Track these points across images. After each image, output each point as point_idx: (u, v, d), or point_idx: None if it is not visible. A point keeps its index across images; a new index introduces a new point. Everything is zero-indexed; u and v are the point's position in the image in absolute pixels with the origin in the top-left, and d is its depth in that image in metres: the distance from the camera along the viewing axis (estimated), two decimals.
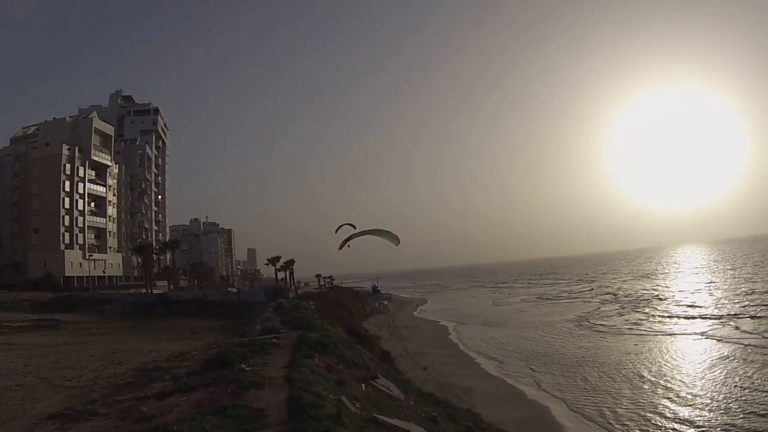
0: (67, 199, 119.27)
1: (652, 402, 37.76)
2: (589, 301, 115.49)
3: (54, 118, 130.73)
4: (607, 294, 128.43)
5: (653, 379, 44.39)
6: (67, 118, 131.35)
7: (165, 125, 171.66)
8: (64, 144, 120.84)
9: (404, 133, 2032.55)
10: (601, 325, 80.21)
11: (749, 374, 42.83)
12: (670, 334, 66.77)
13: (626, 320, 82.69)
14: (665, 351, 56.48)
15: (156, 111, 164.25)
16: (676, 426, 32.83)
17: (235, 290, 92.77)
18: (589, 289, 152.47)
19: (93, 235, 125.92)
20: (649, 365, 49.85)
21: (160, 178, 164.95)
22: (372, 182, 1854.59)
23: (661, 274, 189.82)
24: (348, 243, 61.82)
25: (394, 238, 60.75)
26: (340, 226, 65.02)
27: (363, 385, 21.48)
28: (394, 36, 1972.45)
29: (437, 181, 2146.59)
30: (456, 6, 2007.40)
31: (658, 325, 75.86)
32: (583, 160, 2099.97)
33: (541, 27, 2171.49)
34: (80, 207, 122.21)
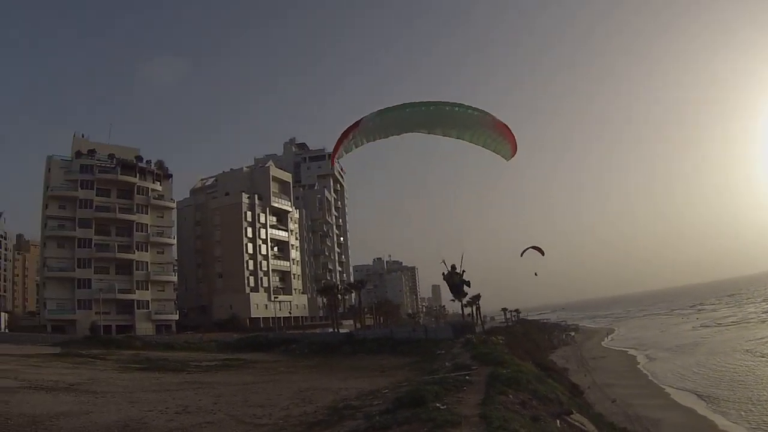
0: (250, 245, 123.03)
1: None
2: None
3: (231, 169, 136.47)
4: None
5: None
6: (244, 168, 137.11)
7: (341, 168, 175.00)
8: (243, 193, 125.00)
9: (569, 162, 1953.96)
10: None
11: None
12: None
13: None
14: None
15: (331, 155, 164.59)
16: None
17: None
18: None
19: (277, 278, 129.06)
20: None
21: (340, 220, 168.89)
22: (546, 207, 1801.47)
23: None
24: (337, 153, 30.96)
25: (502, 144, 27.56)
26: (525, 250, 61.99)
27: (558, 421, 19.93)
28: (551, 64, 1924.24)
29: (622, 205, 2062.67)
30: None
31: None
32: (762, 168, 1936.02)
33: (681, 26, 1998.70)
34: (263, 252, 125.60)
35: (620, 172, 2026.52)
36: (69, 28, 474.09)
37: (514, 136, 25.36)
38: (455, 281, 26.82)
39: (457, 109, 24.17)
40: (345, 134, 24.42)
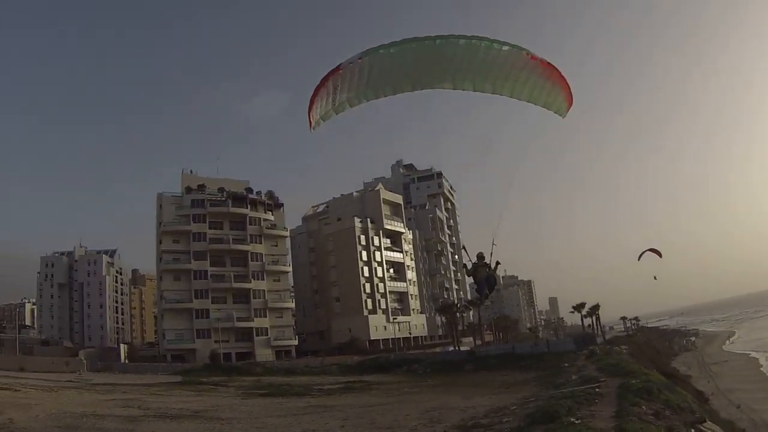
0: (365, 268, 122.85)
1: None
2: None
3: (341, 194, 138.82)
4: None
5: None
6: (354, 193, 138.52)
7: (451, 187, 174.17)
8: (355, 217, 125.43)
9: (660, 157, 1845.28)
10: None
11: None
12: None
13: None
14: None
15: (439, 175, 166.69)
16: None
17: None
18: None
19: (395, 299, 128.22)
20: None
21: (453, 238, 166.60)
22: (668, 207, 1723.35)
23: None
24: (311, 116, 17.23)
25: (554, 94, 17.34)
26: (643, 253, 59.60)
27: (692, 430, 19.74)
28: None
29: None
30: None
31: None
32: None
33: None
34: (379, 274, 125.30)
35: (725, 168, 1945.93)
36: (171, 70, 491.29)
37: (566, 81, 17.08)
38: (481, 276, 20.50)
39: (483, 44, 15.80)
40: (323, 83, 16.23)
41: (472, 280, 21.43)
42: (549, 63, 16.34)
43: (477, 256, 20.56)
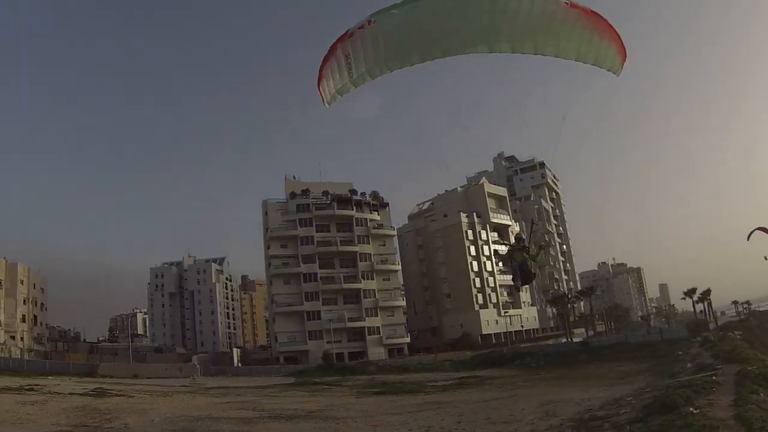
0: (474, 263, 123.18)
1: None
2: None
3: (445, 191, 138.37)
4: None
5: None
6: (458, 189, 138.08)
7: (554, 176, 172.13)
8: (461, 212, 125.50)
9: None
10: None
11: None
12: None
13: None
14: None
15: (542, 165, 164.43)
16: None
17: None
18: None
19: (505, 293, 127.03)
20: None
21: (560, 228, 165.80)
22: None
23: None
24: (321, 90, 15.44)
25: (604, 49, 14.50)
26: (752, 232, 57.15)
27: None
28: None
29: None
30: None
31: None
32: None
33: None
34: (489, 268, 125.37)
35: None
36: (267, 75, 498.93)
37: (616, 31, 14.44)
38: (515, 261, 17.44)
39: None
40: (331, 51, 14.56)
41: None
42: (593, 11, 14.02)
43: (515, 238, 18.81)
